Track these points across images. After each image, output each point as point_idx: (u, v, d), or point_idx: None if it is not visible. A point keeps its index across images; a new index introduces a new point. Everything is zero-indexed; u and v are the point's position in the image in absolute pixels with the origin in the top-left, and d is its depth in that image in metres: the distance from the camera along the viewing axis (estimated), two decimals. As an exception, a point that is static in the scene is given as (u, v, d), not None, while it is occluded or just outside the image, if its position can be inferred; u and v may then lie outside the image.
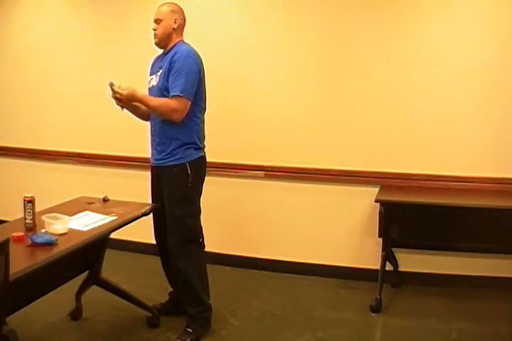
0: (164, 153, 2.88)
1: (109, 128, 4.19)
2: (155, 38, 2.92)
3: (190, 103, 2.78)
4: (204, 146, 2.99)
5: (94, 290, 3.06)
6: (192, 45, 2.93)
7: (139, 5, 3.95)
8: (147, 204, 3.01)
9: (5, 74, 4.58)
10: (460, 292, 3.47)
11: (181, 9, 2.94)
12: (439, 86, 3.47)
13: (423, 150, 3.53)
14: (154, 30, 2.91)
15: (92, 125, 4.28)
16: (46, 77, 4.41)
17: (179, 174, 2.86)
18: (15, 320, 2.34)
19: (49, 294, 2.69)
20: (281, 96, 3.77)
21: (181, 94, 2.74)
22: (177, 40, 2.91)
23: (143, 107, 2.92)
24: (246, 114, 3.85)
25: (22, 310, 2.46)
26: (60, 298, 3.04)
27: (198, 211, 2.98)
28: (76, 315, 3.10)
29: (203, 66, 2.89)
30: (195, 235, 2.95)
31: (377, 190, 3.44)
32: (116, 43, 4.15)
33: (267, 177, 3.84)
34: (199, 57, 2.88)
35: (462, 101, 3.44)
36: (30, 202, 2.57)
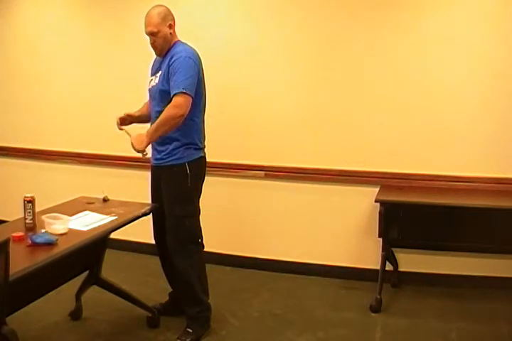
0: (164, 153, 2.88)
1: (109, 128, 4.15)
2: (156, 49, 2.89)
3: (191, 99, 2.75)
4: (204, 146, 2.99)
5: (94, 290, 3.06)
6: (190, 44, 2.91)
7: (139, 5, 3.95)
8: (147, 204, 3.01)
9: (5, 74, 4.58)
10: (460, 292, 3.47)
11: (168, 9, 2.88)
12: (439, 86, 3.46)
13: (423, 150, 3.53)
14: (153, 43, 2.85)
15: (92, 125, 4.28)
16: (46, 77, 4.41)
17: (178, 174, 2.86)
18: (15, 320, 2.34)
19: (49, 294, 2.69)
20: (281, 97, 3.77)
21: (183, 90, 2.71)
22: (174, 41, 2.89)
23: (143, 114, 3.02)
24: (246, 114, 3.85)
25: (22, 310, 2.46)
26: (60, 298, 3.05)
27: (197, 211, 2.98)
28: (76, 315, 3.10)
29: (202, 65, 2.89)
30: (194, 235, 2.95)
31: (377, 190, 3.44)
32: (116, 43, 4.15)
33: (267, 177, 3.84)
34: (198, 56, 2.87)
35: (462, 101, 3.44)
36: (30, 202, 2.57)
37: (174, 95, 2.73)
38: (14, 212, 2.84)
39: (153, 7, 2.87)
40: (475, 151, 3.45)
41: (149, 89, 2.99)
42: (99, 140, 4.27)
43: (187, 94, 2.72)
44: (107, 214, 2.83)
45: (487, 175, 3.43)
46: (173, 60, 2.78)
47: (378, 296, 3.27)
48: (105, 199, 3.08)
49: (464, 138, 3.47)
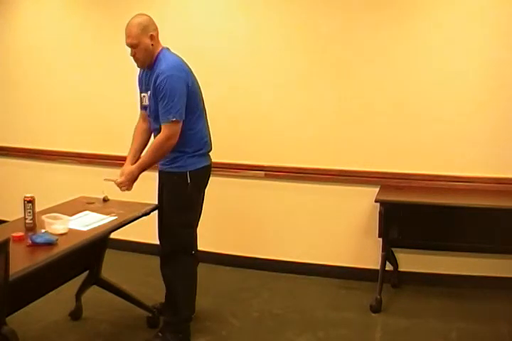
0: (167, 159, 2.83)
1: (109, 128, 4.19)
2: (137, 61, 2.78)
3: (182, 122, 2.70)
4: (211, 149, 2.94)
5: (94, 290, 3.06)
6: (172, 50, 2.85)
7: (139, 5, 3.95)
8: (147, 205, 3.00)
9: (5, 74, 4.58)
10: (460, 292, 3.47)
11: (150, 18, 2.75)
12: (439, 86, 3.46)
13: (423, 150, 3.53)
14: (134, 55, 2.75)
15: (92, 125, 4.28)
16: (46, 77, 4.41)
17: (178, 182, 2.81)
18: (15, 320, 2.34)
19: (49, 294, 2.69)
20: (282, 97, 3.77)
21: (173, 119, 2.66)
22: (157, 52, 2.77)
23: (140, 144, 2.97)
24: (246, 114, 3.85)
25: (22, 310, 2.47)
26: (60, 298, 3.05)
27: (194, 221, 2.93)
28: (76, 315, 3.10)
29: (191, 71, 2.80)
30: (188, 245, 2.89)
31: (377, 190, 3.44)
32: (116, 43, 4.09)
33: (267, 177, 3.84)
34: (183, 65, 2.77)
35: (462, 101, 3.44)
36: (30, 202, 2.57)
37: (163, 123, 2.69)
38: (14, 212, 2.84)
39: (135, 17, 2.76)
40: (475, 151, 3.45)
41: (144, 106, 2.92)
42: (99, 140, 4.27)
43: (176, 120, 2.68)
44: (107, 214, 2.83)
45: (487, 175, 3.43)
46: (158, 81, 2.68)
47: (378, 296, 3.27)
48: (105, 199, 3.08)
49: (464, 138, 3.47)
